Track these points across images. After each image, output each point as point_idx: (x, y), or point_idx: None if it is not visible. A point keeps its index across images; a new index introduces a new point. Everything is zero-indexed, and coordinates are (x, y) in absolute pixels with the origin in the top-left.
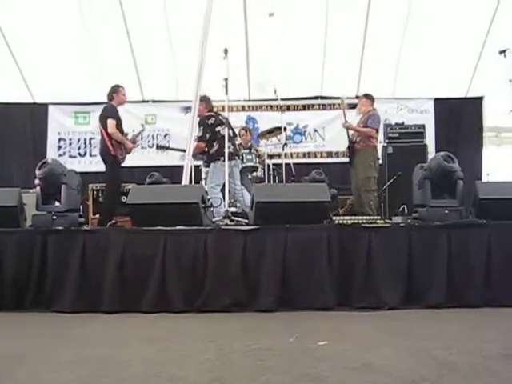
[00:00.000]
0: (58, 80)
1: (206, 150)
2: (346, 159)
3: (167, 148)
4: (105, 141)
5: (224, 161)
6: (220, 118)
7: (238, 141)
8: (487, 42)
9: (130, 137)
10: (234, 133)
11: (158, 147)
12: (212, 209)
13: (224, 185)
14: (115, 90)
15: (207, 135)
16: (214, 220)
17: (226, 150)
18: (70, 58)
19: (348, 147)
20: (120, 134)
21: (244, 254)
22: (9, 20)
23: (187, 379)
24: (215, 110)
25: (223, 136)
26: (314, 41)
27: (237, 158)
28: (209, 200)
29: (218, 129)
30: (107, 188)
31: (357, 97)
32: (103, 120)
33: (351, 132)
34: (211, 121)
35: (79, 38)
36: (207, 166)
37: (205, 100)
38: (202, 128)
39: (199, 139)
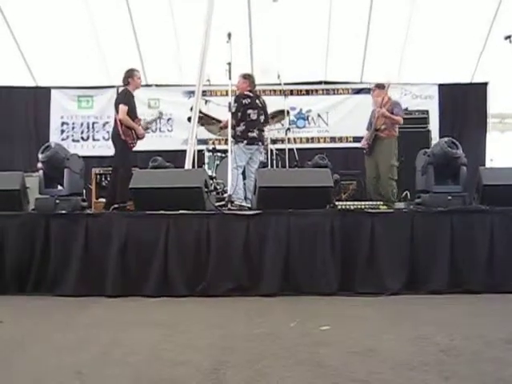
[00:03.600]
0: (61, 64)
1: (234, 127)
2: (349, 144)
3: (202, 114)
4: (116, 125)
5: (247, 144)
6: (257, 102)
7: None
8: (493, 27)
9: (142, 122)
10: (266, 120)
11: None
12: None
13: (245, 167)
14: (130, 74)
15: (239, 114)
16: (216, 204)
17: (229, 134)
18: (73, 42)
19: (371, 136)
20: (131, 120)
21: (247, 239)
22: (11, 3)
23: (189, 363)
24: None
25: (252, 120)
26: (318, 25)
27: (260, 143)
28: (212, 184)
29: (249, 111)
30: (120, 172)
31: (361, 82)
32: (116, 105)
33: (380, 120)
34: (246, 101)
35: (82, 22)
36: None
37: (249, 79)
38: (236, 105)
39: (232, 115)
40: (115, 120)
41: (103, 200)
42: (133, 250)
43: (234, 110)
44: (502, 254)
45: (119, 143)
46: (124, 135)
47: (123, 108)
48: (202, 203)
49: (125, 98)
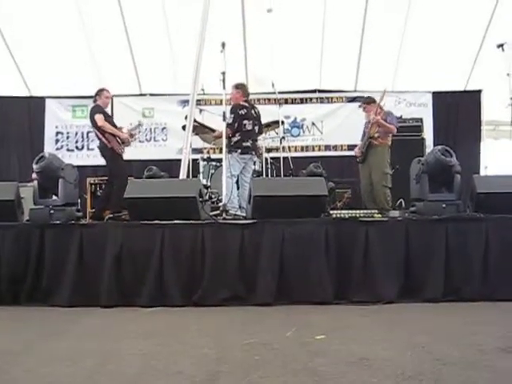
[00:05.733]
0: (55, 73)
1: (230, 137)
2: (344, 152)
3: (196, 123)
4: (99, 137)
5: (241, 153)
6: (252, 112)
7: (260, 139)
8: (487, 35)
9: (125, 130)
10: (260, 130)
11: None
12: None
13: (238, 176)
14: (97, 93)
15: (235, 124)
16: (211, 214)
17: (224, 143)
18: (67, 51)
19: (364, 144)
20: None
21: (241, 248)
22: (4, 12)
23: (184, 374)
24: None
25: (247, 131)
26: (312, 34)
27: (253, 153)
28: (206, 194)
29: (244, 122)
30: (115, 182)
31: (355, 90)
32: (92, 119)
33: (374, 128)
34: (242, 111)
35: (76, 31)
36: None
37: (242, 88)
38: (232, 116)
39: (228, 125)
40: (96, 134)
41: None
42: (128, 259)
43: (231, 121)
44: (497, 261)
45: (108, 153)
46: (110, 143)
47: (99, 116)
48: (197, 213)
49: (98, 110)
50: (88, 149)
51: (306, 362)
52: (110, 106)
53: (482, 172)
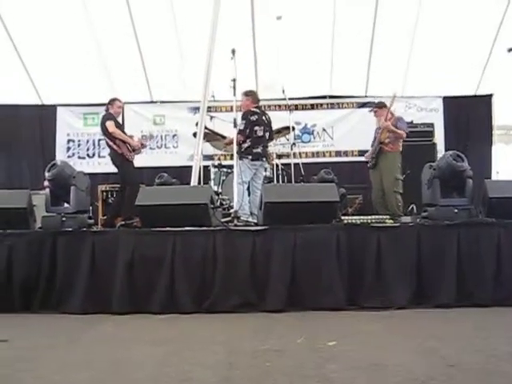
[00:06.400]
0: (66, 81)
1: (240, 143)
2: (355, 158)
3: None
4: (110, 145)
5: (252, 160)
6: (263, 118)
7: (271, 145)
8: (497, 39)
9: (136, 139)
10: (270, 136)
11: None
12: (220, 209)
13: (249, 182)
14: (110, 102)
15: (247, 130)
16: (222, 220)
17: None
18: (78, 60)
19: (375, 150)
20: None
21: (253, 255)
22: (16, 22)
23: (196, 380)
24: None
25: (258, 137)
26: (322, 40)
27: (264, 159)
28: (218, 200)
29: (255, 128)
30: (127, 189)
31: (366, 96)
32: (103, 126)
33: (384, 133)
34: (254, 118)
35: (87, 40)
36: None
37: (251, 95)
38: (244, 122)
39: (240, 131)
40: (107, 142)
41: None
42: (139, 266)
43: (242, 127)
44: (509, 266)
45: (119, 160)
46: (120, 149)
47: (110, 123)
48: (208, 219)
49: (109, 117)
50: (99, 156)
51: (317, 368)
52: (121, 114)
53: (494, 177)
